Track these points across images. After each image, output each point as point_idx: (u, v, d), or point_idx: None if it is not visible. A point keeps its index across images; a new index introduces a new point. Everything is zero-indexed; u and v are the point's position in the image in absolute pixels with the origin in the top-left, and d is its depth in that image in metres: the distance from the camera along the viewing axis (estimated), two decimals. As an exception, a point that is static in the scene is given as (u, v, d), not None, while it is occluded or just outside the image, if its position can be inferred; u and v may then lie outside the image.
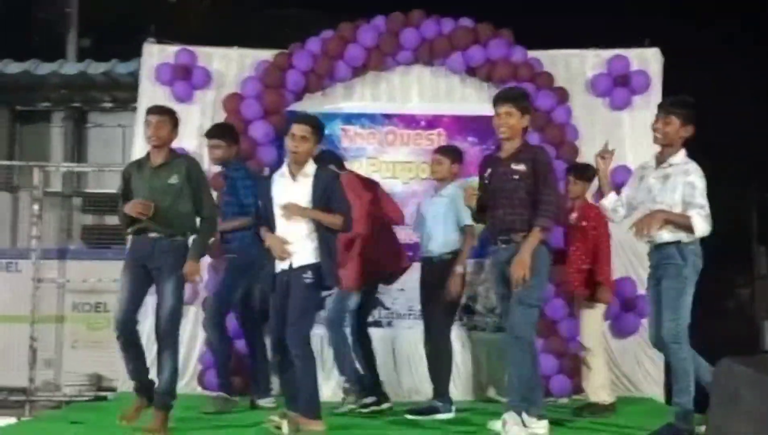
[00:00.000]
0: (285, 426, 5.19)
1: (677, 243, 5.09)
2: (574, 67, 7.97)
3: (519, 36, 7.87)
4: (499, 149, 5.39)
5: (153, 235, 5.29)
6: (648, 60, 7.92)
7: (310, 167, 5.46)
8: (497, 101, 5.32)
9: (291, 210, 5.30)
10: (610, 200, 5.40)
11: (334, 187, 5.46)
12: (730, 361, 3.86)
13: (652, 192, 5.18)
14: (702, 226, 5.03)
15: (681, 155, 5.21)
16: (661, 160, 5.25)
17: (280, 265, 5.38)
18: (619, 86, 7.80)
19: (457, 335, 7.28)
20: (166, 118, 5.43)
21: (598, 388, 6.32)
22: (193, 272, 5.33)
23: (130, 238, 5.48)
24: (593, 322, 6.42)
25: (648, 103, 7.66)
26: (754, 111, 15.08)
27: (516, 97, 5.34)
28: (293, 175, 5.44)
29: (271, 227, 5.42)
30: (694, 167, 5.16)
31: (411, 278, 7.72)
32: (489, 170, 5.30)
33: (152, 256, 5.28)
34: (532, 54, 7.84)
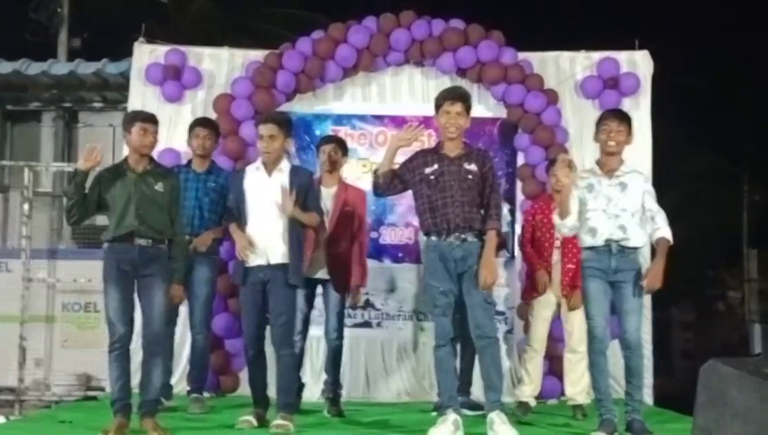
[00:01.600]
0: (253, 420, 5.35)
1: (639, 248, 5.29)
2: (563, 68, 8.00)
3: (509, 37, 7.90)
4: (438, 147, 5.36)
5: (140, 242, 5.19)
6: (637, 63, 7.95)
7: (285, 163, 5.52)
8: (449, 98, 5.26)
9: (287, 207, 5.32)
10: (572, 220, 5.29)
11: (309, 186, 5.53)
12: (716, 362, 3.87)
13: (612, 200, 5.22)
14: (670, 234, 5.21)
15: (627, 163, 5.35)
16: (610, 168, 5.28)
17: (255, 260, 5.40)
18: (608, 88, 7.82)
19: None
20: (157, 127, 5.37)
21: (584, 390, 6.32)
22: (179, 296, 5.38)
23: (108, 245, 5.26)
24: (582, 324, 6.41)
25: (637, 106, 7.72)
26: (746, 114, 15.17)
27: (467, 98, 5.35)
28: (269, 172, 5.49)
29: (242, 221, 5.46)
30: (645, 175, 5.36)
31: (402, 279, 7.80)
32: (435, 166, 5.23)
33: (140, 263, 5.18)
34: (522, 55, 7.87)
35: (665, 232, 5.18)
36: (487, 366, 5.20)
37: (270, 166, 5.49)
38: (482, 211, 5.21)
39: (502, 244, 6.51)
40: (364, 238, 6.50)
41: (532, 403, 6.41)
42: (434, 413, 6.24)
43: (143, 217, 5.19)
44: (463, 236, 5.18)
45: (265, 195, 5.44)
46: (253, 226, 5.44)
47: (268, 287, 5.42)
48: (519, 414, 6.18)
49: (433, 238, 5.25)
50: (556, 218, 5.40)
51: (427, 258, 5.35)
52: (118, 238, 5.20)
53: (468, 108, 5.29)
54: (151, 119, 5.39)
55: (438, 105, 5.30)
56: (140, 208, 5.19)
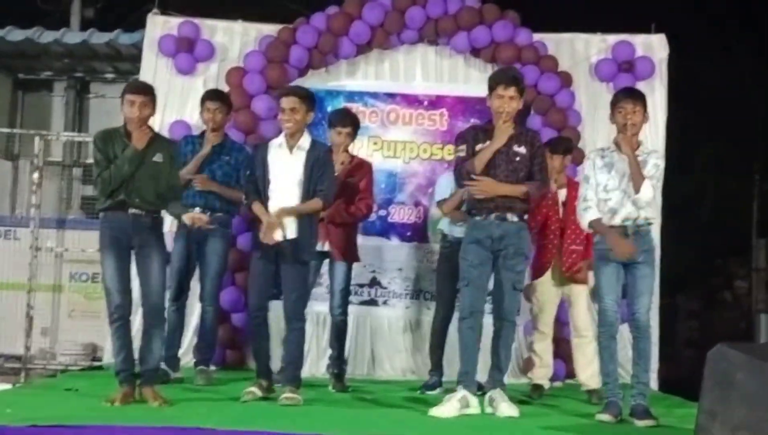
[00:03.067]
0: (257, 390, 5.42)
1: (651, 228, 5.31)
2: (578, 51, 7.96)
3: (525, 18, 7.86)
4: (489, 125, 5.37)
5: (134, 211, 5.17)
6: (653, 46, 7.90)
7: (306, 140, 5.52)
8: (503, 82, 5.29)
9: (279, 215, 5.37)
10: (593, 214, 5.32)
11: (323, 163, 5.50)
12: (723, 347, 3.87)
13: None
14: (649, 193, 5.14)
15: (645, 144, 5.44)
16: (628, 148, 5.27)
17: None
18: (623, 72, 7.78)
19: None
20: (149, 97, 5.27)
21: (595, 374, 6.30)
22: (195, 217, 5.41)
23: (103, 214, 5.27)
24: (587, 306, 6.40)
25: (652, 90, 7.64)
26: (758, 101, 15.07)
27: (520, 81, 5.37)
28: (290, 148, 5.49)
29: (263, 196, 5.46)
30: (661, 154, 5.50)
31: (410, 258, 7.79)
32: (487, 144, 5.27)
33: (135, 232, 5.17)
34: (537, 37, 7.82)
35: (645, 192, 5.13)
36: (499, 347, 5.32)
37: (291, 142, 5.49)
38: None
39: None
40: (362, 206, 6.37)
41: (546, 385, 6.44)
42: (419, 392, 6.29)
43: (140, 191, 5.18)
44: (503, 216, 5.22)
45: (284, 173, 5.46)
46: (271, 202, 5.45)
47: (281, 261, 5.45)
48: (534, 397, 6.23)
49: (476, 217, 5.33)
50: (578, 209, 5.40)
51: (467, 235, 5.40)
52: (112, 207, 5.19)
53: (521, 91, 5.32)
54: (138, 90, 5.30)
55: (491, 87, 5.33)
56: (138, 182, 5.17)
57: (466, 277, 5.29)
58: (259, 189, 5.48)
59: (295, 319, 5.47)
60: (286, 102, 5.47)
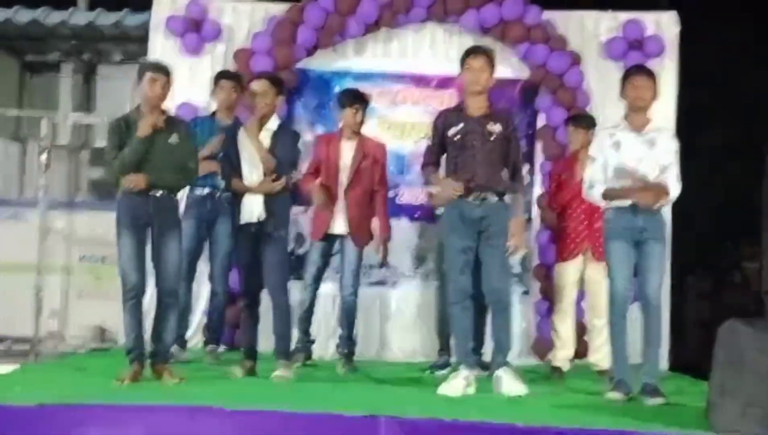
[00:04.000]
0: (238, 370, 5.54)
1: (663, 207, 5.27)
2: (588, 29, 7.89)
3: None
4: (461, 105, 5.37)
5: (154, 192, 5.24)
6: (664, 24, 7.83)
7: (273, 123, 5.64)
8: (473, 54, 5.29)
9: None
10: (599, 190, 5.28)
11: (287, 143, 5.62)
12: (734, 323, 3.85)
13: (641, 157, 5.17)
14: (677, 189, 5.20)
15: (654, 122, 5.32)
16: (638, 124, 5.23)
17: (246, 218, 5.55)
18: (633, 50, 7.71)
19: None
20: (169, 78, 5.38)
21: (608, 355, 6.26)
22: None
23: (122, 195, 5.32)
24: (604, 288, 6.34)
25: (663, 69, 7.55)
26: (769, 81, 14.94)
27: (490, 52, 5.36)
28: (258, 130, 5.59)
29: (237, 176, 5.61)
30: (672, 132, 5.40)
31: (419, 239, 7.77)
32: (460, 126, 5.24)
33: (154, 214, 5.24)
34: (547, 15, 7.76)
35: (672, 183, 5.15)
36: (498, 328, 5.32)
37: (259, 124, 5.57)
38: (502, 172, 5.27)
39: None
40: (385, 191, 6.50)
41: (566, 367, 6.38)
42: (427, 372, 6.28)
43: (159, 172, 5.23)
44: (483, 196, 5.19)
45: (251, 154, 5.56)
46: (246, 183, 5.59)
47: (260, 242, 5.56)
48: (555, 377, 6.22)
49: (458, 197, 5.24)
50: (584, 188, 5.35)
51: (448, 216, 5.33)
52: (131, 189, 5.21)
53: (491, 63, 5.27)
54: (160, 69, 5.38)
55: (462, 61, 5.31)
56: (156, 162, 5.22)
57: (454, 262, 5.27)
58: (234, 167, 5.61)
59: (279, 294, 5.58)
60: (257, 85, 5.61)
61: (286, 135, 5.70)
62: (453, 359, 6.41)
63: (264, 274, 5.61)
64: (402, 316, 7.78)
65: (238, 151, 5.61)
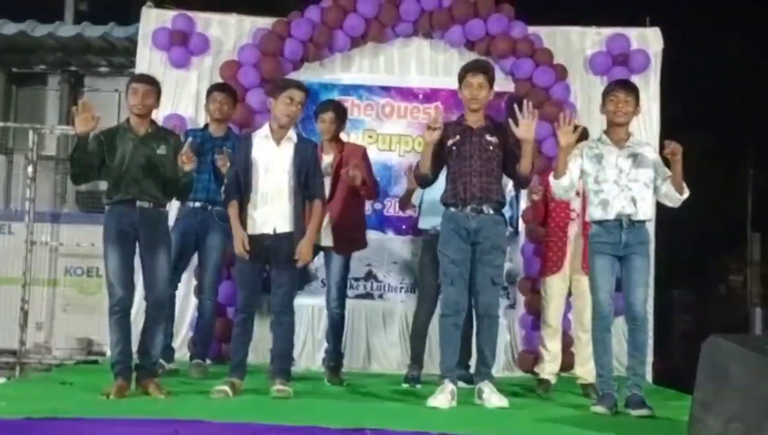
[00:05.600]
0: (228, 390, 5.24)
1: (647, 222, 5.30)
2: (573, 44, 7.95)
3: (519, 11, 7.85)
4: (461, 118, 5.42)
5: (141, 204, 5.21)
6: (648, 40, 7.89)
7: (293, 133, 5.50)
8: (471, 71, 5.33)
9: (303, 254, 5.38)
10: (567, 180, 5.28)
11: (312, 159, 5.49)
12: (718, 338, 3.87)
13: (623, 171, 5.22)
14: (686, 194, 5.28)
15: (635, 135, 5.45)
16: (618, 138, 5.28)
17: (260, 229, 5.37)
18: (617, 65, 7.76)
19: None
20: (153, 88, 5.36)
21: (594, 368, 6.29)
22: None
23: (109, 207, 5.28)
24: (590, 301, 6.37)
25: (647, 84, 7.66)
26: (752, 94, 15.05)
27: (489, 69, 5.41)
28: (277, 140, 5.45)
29: (248, 188, 5.38)
30: (653, 146, 5.54)
31: (405, 250, 7.80)
32: (457, 137, 5.28)
33: (141, 225, 5.21)
34: (532, 29, 7.81)
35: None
36: (485, 341, 5.33)
37: (278, 134, 5.44)
38: (499, 184, 5.31)
39: None
40: (370, 185, 6.39)
41: (553, 380, 6.37)
42: (405, 385, 6.28)
43: (145, 182, 5.21)
44: (479, 207, 5.21)
45: (274, 165, 5.40)
46: (261, 195, 5.39)
47: (272, 256, 5.43)
48: (540, 391, 6.20)
49: (451, 208, 5.30)
50: (550, 177, 5.37)
51: (443, 227, 5.37)
52: (120, 201, 5.20)
53: (491, 80, 5.35)
54: (141, 79, 5.42)
55: (461, 77, 5.37)
56: (142, 172, 5.21)
57: (447, 274, 5.27)
58: (240, 185, 5.40)
59: (283, 313, 5.41)
60: (298, 95, 5.42)
61: (313, 151, 5.58)
62: (424, 371, 6.41)
63: (273, 291, 5.46)
64: (388, 329, 7.79)
65: (250, 165, 5.39)
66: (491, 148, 5.26)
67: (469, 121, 5.36)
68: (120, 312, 5.19)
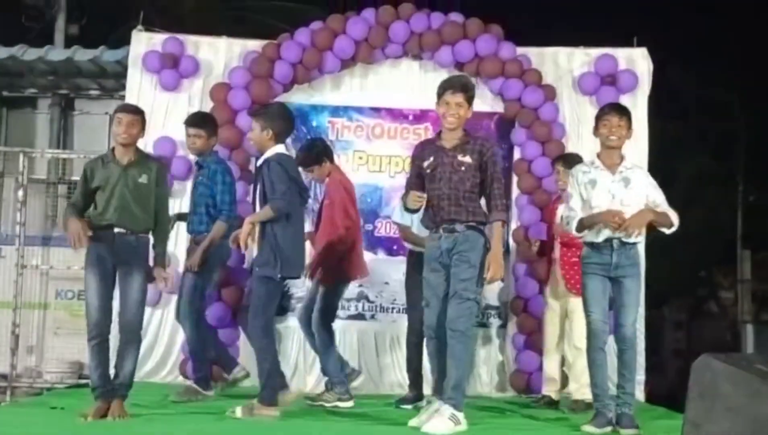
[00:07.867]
0: (239, 410, 5.31)
1: (638, 243, 5.31)
2: (562, 64, 7.99)
3: (508, 32, 7.90)
4: (438, 137, 5.29)
5: (119, 230, 5.27)
6: (636, 60, 7.93)
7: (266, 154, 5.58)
8: (450, 89, 5.15)
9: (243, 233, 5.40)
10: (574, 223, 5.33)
11: (270, 173, 5.43)
12: (708, 357, 3.88)
13: (616, 196, 5.22)
14: (677, 221, 5.27)
15: (628, 159, 5.40)
16: (612, 162, 5.29)
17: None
18: (606, 85, 7.81)
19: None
20: (138, 117, 5.41)
21: (585, 385, 6.30)
22: (161, 277, 5.43)
23: (90, 233, 5.23)
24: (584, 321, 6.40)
25: (635, 104, 7.66)
26: (741, 115, 15.16)
27: (469, 88, 5.23)
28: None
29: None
30: (645, 170, 5.48)
31: (396, 271, 7.78)
32: (431, 159, 5.18)
33: (119, 252, 5.26)
34: (521, 50, 7.86)
35: (673, 219, 5.26)
36: (448, 356, 5.03)
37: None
38: (473, 204, 5.13)
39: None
40: (341, 230, 6.27)
41: (556, 397, 6.56)
42: (394, 406, 6.25)
43: (123, 211, 5.27)
44: (450, 227, 5.14)
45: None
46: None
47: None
48: (541, 405, 6.46)
49: (431, 231, 5.26)
50: (561, 221, 5.43)
51: (426, 250, 5.34)
52: (99, 228, 5.26)
53: (470, 98, 5.18)
54: (125, 109, 5.50)
55: (439, 94, 5.21)
56: (121, 201, 5.28)
57: (424, 296, 5.23)
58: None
59: (256, 340, 5.48)
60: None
61: (271, 165, 5.57)
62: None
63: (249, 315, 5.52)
64: (380, 349, 7.79)
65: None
66: (463, 168, 5.11)
67: (444, 140, 5.21)
68: (98, 337, 5.26)
